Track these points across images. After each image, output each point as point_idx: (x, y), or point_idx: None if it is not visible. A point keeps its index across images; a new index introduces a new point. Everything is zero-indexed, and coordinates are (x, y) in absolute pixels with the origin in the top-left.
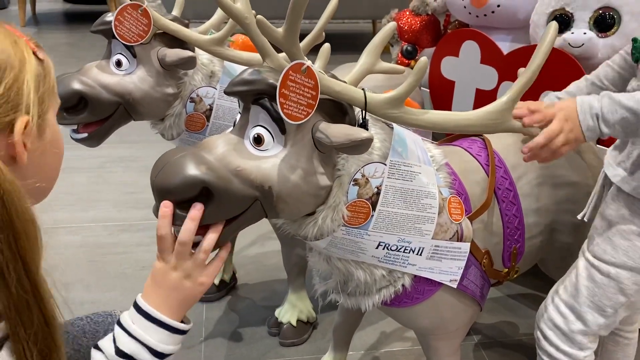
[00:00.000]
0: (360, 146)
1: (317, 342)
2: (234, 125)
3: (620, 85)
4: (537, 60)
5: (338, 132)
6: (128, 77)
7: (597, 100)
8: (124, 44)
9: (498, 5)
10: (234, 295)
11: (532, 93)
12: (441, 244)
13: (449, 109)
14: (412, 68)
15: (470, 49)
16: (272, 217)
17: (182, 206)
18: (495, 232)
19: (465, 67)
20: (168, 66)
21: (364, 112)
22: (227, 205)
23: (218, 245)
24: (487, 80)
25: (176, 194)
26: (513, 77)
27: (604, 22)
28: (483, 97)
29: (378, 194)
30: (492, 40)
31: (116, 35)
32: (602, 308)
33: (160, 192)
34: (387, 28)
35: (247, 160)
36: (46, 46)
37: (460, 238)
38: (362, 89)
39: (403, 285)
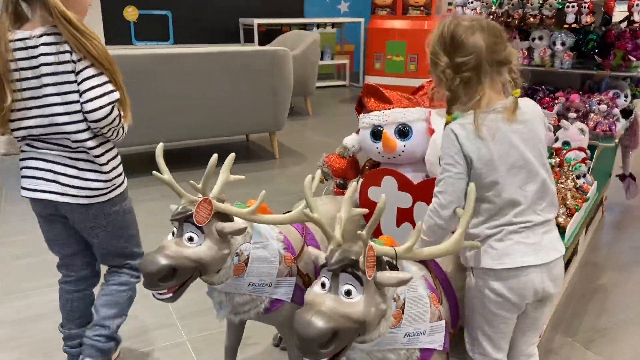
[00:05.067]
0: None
1: None
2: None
3: None
4: (469, 205)
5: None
6: (199, 248)
7: None
8: (194, 224)
9: (403, 151)
10: None
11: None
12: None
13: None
14: None
15: (389, 181)
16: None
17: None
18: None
19: (386, 193)
20: (224, 235)
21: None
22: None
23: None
24: (404, 201)
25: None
26: (423, 199)
27: None
28: (403, 213)
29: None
30: (405, 176)
31: (197, 222)
32: None
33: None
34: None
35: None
36: None
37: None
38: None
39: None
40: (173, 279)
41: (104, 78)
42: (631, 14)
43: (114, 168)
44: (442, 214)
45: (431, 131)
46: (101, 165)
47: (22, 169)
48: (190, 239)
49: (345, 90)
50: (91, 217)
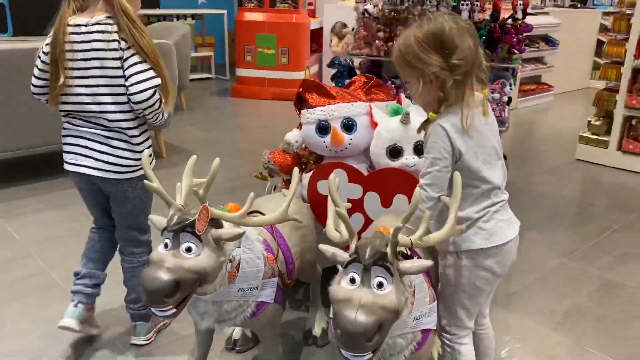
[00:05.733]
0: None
1: None
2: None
3: None
4: (457, 192)
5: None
6: (199, 258)
7: None
8: (192, 234)
9: (349, 144)
10: None
11: (388, 195)
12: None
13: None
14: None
15: (339, 174)
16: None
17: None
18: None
19: None
20: (220, 241)
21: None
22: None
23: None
24: (355, 192)
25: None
26: (373, 189)
27: (420, 150)
28: (354, 204)
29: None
30: (354, 167)
31: (198, 230)
32: None
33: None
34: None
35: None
36: None
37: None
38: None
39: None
40: (177, 293)
41: (147, 65)
42: (515, 11)
43: (146, 148)
44: (429, 205)
45: (374, 124)
46: (135, 144)
47: (64, 144)
48: (189, 249)
49: (212, 83)
50: (121, 191)
